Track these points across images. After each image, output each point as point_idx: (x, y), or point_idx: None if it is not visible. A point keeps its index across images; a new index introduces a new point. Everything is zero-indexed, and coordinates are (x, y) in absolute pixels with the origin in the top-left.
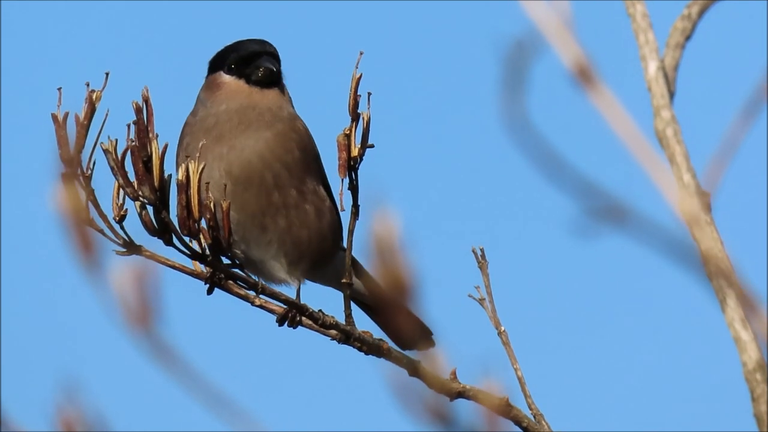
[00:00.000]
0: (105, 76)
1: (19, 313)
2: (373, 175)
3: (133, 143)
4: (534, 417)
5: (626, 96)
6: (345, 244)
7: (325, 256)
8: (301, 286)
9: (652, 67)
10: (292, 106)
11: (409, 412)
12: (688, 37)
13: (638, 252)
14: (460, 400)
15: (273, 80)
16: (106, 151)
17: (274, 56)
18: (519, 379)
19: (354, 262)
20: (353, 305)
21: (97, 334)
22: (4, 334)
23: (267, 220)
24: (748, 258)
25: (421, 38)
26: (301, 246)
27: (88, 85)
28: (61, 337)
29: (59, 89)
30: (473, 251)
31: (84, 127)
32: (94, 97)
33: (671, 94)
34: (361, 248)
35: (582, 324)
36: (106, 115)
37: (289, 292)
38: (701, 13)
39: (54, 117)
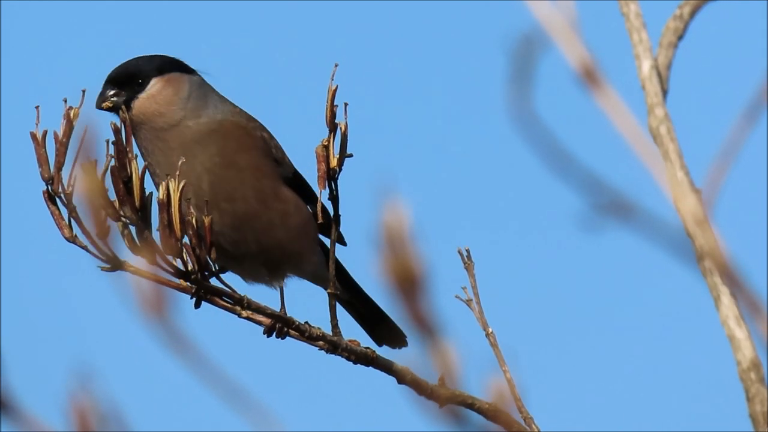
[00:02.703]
0: (82, 93)
1: (33, 301)
2: (380, 168)
3: (113, 164)
4: (524, 420)
5: (621, 94)
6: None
7: (304, 255)
8: (285, 293)
9: (646, 65)
10: (201, 99)
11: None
12: (680, 37)
13: (633, 248)
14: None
15: (111, 110)
16: (86, 173)
17: (111, 81)
18: (508, 381)
19: (327, 253)
20: (343, 310)
21: (112, 322)
22: (18, 322)
23: (235, 236)
24: (748, 259)
25: (429, 35)
26: (273, 254)
27: (65, 101)
28: (75, 325)
29: (37, 107)
30: (459, 252)
31: (63, 145)
32: (71, 114)
33: (664, 93)
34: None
35: (572, 324)
36: (85, 131)
37: (275, 303)
38: (693, 13)
39: (33, 135)
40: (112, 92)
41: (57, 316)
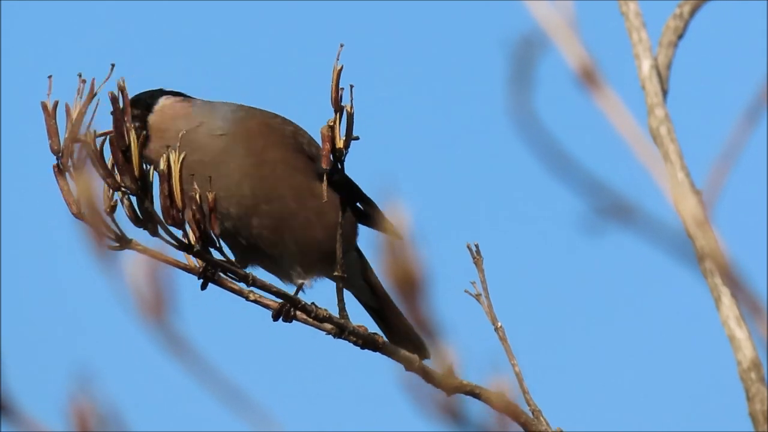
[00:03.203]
0: (111, 66)
1: (32, 303)
2: (382, 169)
3: (111, 133)
4: (532, 413)
5: (621, 94)
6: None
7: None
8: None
9: (646, 65)
10: (209, 109)
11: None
12: (680, 36)
13: (636, 249)
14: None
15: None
16: (83, 143)
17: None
18: (516, 374)
19: (363, 260)
20: (360, 306)
21: (111, 324)
22: (18, 324)
23: (274, 237)
24: (749, 259)
25: (428, 36)
26: (310, 253)
27: (80, 75)
28: (74, 328)
29: (50, 77)
30: (468, 247)
31: (80, 116)
32: (93, 86)
33: (664, 93)
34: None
35: (579, 320)
36: (96, 105)
37: (281, 284)
38: (693, 12)
39: (44, 106)
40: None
41: (56, 318)
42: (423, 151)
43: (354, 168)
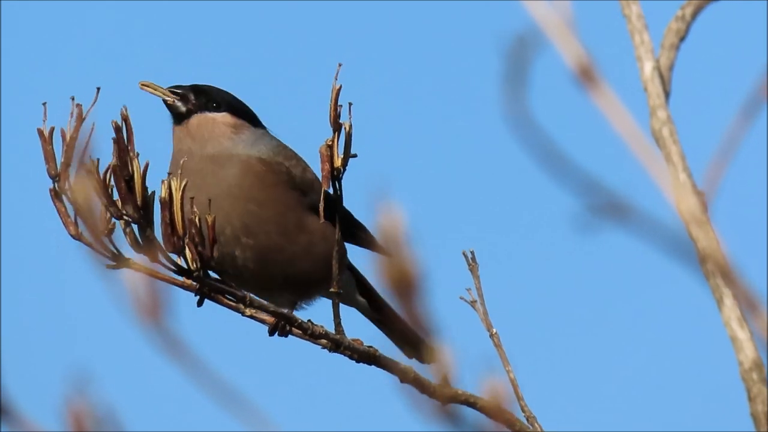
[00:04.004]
0: (96, 91)
1: (29, 306)
2: (376, 170)
3: (115, 163)
4: (527, 419)
5: (622, 96)
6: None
7: (329, 280)
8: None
9: (648, 67)
10: (245, 130)
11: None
12: (682, 38)
13: (636, 250)
14: None
15: (174, 113)
16: (88, 172)
17: (193, 88)
18: (511, 381)
19: (359, 277)
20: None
21: (108, 326)
22: (15, 327)
23: (259, 270)
24: (748, 258)
25: (424, 36)
26: (300, 284)
27: (73, 99)
28: (71, 330)
29: (44, 104)
30: (464, 254)
31: (72, 140)
32: (81, 112)
33: (667, 95)
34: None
35: (576, 324)
36: (92, 128)
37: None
38: (695, 14)
39: (40, 132)
40: (183, 92)
41: (54, 320)
42: (417, 152)
43: (349, 171)
